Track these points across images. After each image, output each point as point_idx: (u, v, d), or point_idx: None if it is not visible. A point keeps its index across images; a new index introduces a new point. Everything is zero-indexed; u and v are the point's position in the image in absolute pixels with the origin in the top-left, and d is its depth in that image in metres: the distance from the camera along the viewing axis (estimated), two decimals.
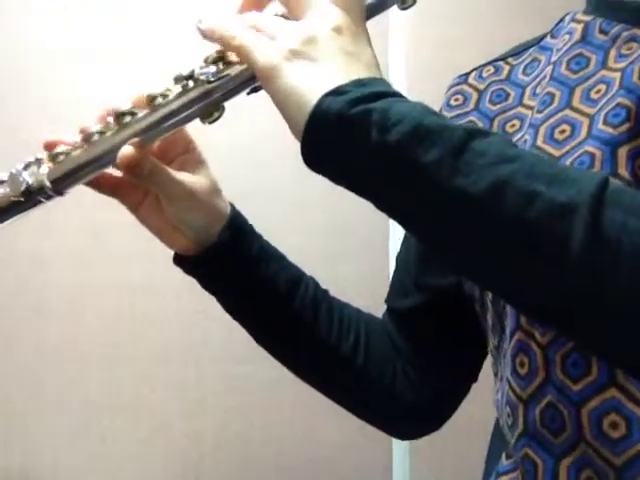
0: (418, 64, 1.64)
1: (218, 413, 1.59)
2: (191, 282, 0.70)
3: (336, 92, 0.47)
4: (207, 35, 0.55)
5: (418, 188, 0.45)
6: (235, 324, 0.72)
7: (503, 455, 0.64)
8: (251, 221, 0.70)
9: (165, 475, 1.58)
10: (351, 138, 0.46)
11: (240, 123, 1.60)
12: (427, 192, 0.44)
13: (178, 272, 0.69)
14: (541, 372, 0.57)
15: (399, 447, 1.59)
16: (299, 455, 1.58)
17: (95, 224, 1.59)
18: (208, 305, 0.71)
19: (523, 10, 1.59)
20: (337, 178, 0.49)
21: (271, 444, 1.59)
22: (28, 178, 0.56)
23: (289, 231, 1.58)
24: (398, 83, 1.62)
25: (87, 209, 1.56)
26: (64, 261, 1.60)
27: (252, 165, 1.63)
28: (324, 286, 0.75)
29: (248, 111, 1.53)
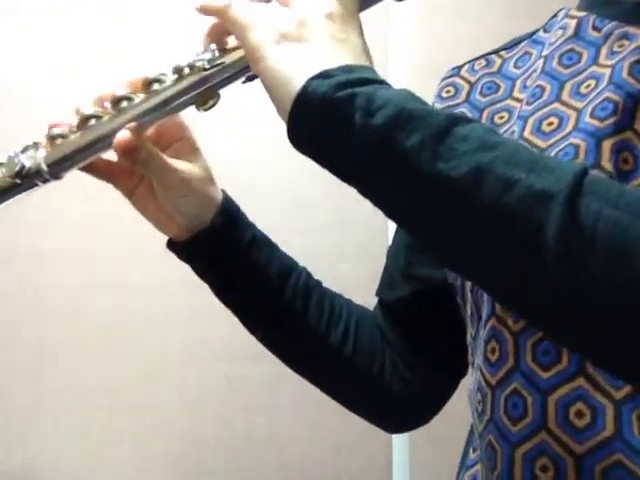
0: (419, 61, 1.65)
1: (218, 413, 1.59)
2: (191, 281, 0.70)
3: (322, 75, 0.48)
4: (203, 9, 0.56)
5: (400, 172, 0.45)
6: (236, 323, 0.72)
7: (470, 449, 0.65)
8: (251, 219, 0.71)
9: (165, 475, 1.57)
10: (335, 121, 0.47)
11: (240, 121, 1.61)
12: (408, 176, 0.45)
13: (178, 271, 0.70)
14: (510, 359, 0.58)
15: (399, 447, 1.58)
16: (299, 454, 1.58)
17: (95, 223, 1.59)
18: (208, 304, 0.71)
19: (524, 8, 1.59)
20: (321, 161, 0.49)
21: (271, 444, 1.58)
22: (26, 161, 0.56)
23: (288, 230, 1.58)
24: (398, 80, 1.63)
25: (87, 208, 1.56)
26: (64, 261, 1.60)
27: (251, 164, 1.64)
28: (324, 284, 0.75)
29: (248, 109, 1.54)
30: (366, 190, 0.48)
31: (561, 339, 0.48)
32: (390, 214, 0.49)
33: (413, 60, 1.65)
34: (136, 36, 1.63)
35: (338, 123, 0.46)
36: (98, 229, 1.60)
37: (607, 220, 0.40)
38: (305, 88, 0.47)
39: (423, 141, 0.44)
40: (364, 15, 0.56)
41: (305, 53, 0.50)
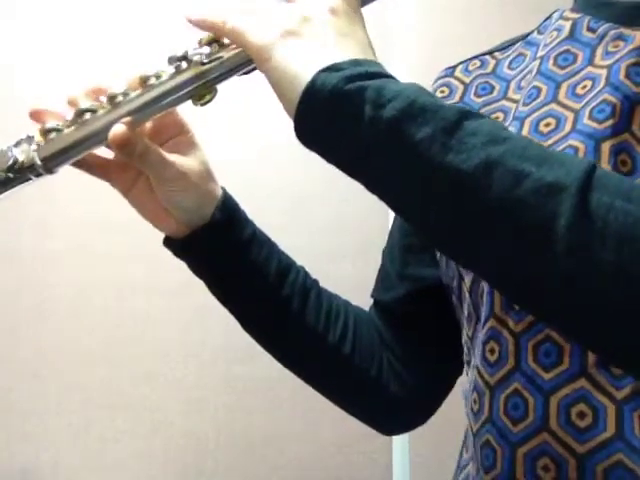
0: (419, 61, 1.64)
1: (218, 412, 1.59)
2: (191, 281, 0.69)
3: (331, 69, 0.47)
4: (198, 24, 0.55)
5: (410, 164, 0.45)
6: (235, 323, 0.71)
7: (463, 449, 0.65)
8: (252, 219, 0.70)
9: (165, 474, 1.57)
10: (345, 113, 0.46)
11: (241, 120, 1.61)
12: (418, 168, 0.45)
13: (179, 271, 0.69)
14: (511, 359, 0.58)
15: (399, 447, 1.58)
16: (299, 454, 1.58)
17: (96, 223, 1.59)
18: (208, 304, 0.71)
19: (525, 7, 1.59)
20: (329, 154, 0.49)
21: (271, 443, 1.58)
22: (19, 155, 0.56)
23: (289, 229, 1.58)
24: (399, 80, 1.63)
25: (88, 208, 1.56)
26: (65, 260, 1.60)
27: (252, 163, 1.63)
28: (324, 284, 0.75)
29: (250, 108, 1.53)
30: (374, 184, 0.48)
31: (570, 332, 0.47)
32: (397, 208, 0.49)
33: (413, 60, 1.65)
34: (132, 23, 1.64)
35: (347, 115, 0.46)
36: (99, 229, 1.60)
37: (618, 212, 0.40)
38: (314, 81, 0.47)
39: (434, 134, 0.44)
40: (364, 15, 0.56)
41: (312, 47, 0.49)
